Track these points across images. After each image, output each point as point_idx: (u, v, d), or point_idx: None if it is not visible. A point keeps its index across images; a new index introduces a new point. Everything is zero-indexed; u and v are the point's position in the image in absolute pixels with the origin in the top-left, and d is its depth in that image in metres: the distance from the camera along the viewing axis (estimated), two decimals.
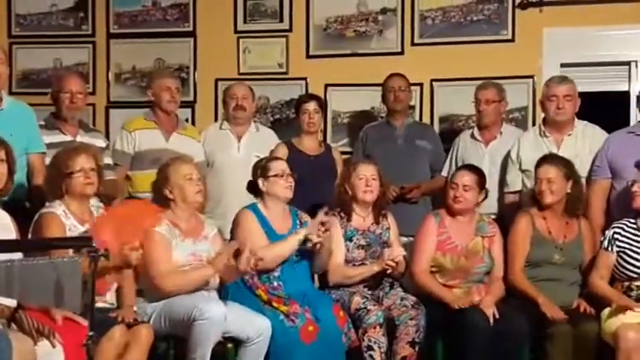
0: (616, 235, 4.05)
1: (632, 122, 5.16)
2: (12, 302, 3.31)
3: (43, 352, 3.01)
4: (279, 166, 4.26)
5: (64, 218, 3.70)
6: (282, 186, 4.21)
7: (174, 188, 4.03)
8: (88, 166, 3.77)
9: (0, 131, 3.83)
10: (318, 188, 4.60)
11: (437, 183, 4.94)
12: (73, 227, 3.71)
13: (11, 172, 3.59)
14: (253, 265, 3.88)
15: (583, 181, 4.39)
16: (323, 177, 4.78)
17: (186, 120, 5.49)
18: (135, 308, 3.82)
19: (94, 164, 3.81)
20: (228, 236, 4.34)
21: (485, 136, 4.94)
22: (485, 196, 4.38)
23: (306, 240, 4.13)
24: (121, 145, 4.85)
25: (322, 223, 4.11)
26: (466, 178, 4.31)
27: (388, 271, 4.22)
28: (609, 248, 4.05)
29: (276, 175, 4.22)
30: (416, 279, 4.28)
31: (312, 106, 5.01)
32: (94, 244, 3.03)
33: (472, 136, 5.00)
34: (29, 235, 3.68)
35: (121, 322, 3.60)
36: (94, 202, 4.33)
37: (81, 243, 3.15)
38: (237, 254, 3.90)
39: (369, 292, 4.27)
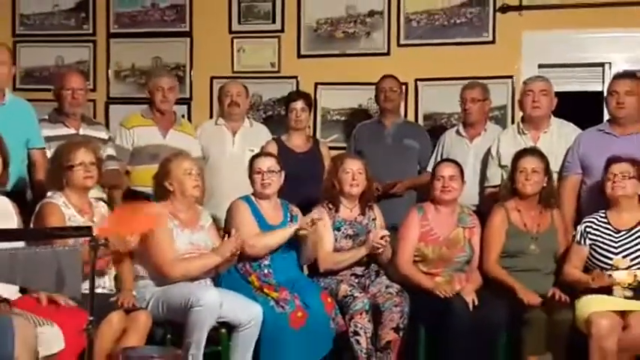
0: (588, 229, 4.06)
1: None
2: (15, 288, 3.33)
3: (44, 337, 3.01)
4: (257, 164, 4.28)
5: (64, 208, 3.70)
6: (258, 183, 4.24)
7: (174, 181, 4.05)
8: (88, 160, 3.77)
9: (6, 125, 3.87)
10: (306, 183, 4.60)
11: (424, 178, 4.92)
12: (73, 217, 3.71)
13: (5, 163, 3.58)
14: (239, 247, 3.98)
15: (555, 176, 4.42)
16: (311, 172, 4.79)
17: (183, 116, 5.48)
18: (134, 293, 3.83)
19: (93, 158, 3.81)
20: (222, 225, 4.35)
21: (470, 132, 4.95)
22: None
23: (295, 233, 4.17)
24: (120, 142, 4.84)
25: (312, 221, 4.13)
26: (450, 169, 4.33)
27: (380, 250, 4.22)
28: (582, 242, 4.06)
29: (256, 173, 4.26)
30: (400, 269, 4.28)
31: (299, 104, 4.99)
32: (94, 234, 3.05)
33: (457, 132, 5.00)
34: (31, 224, 3.68)
35: (120, 306, 3.61)
36: (96, 192, 4.36)
37: (81, 233, 3.14)
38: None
39: (356, 280, 4.27)
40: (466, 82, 5.06)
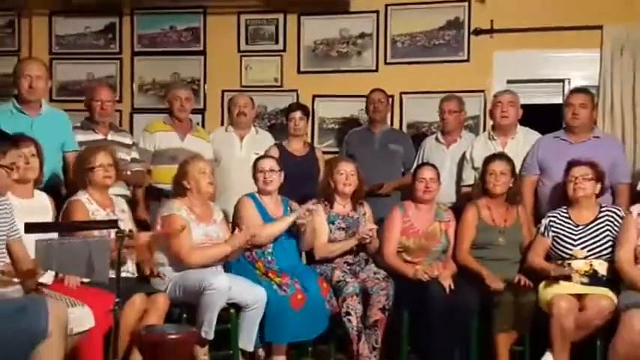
0: (551, 223, 4.07)
1: None
2: (51, 273, 3.35)
3: (76, 316, 3.02)
4: (260, 165, 4.30)
5: (88, 204, 3.72)
6: (260, 181, 4.26)
7: (191, 180, 4.06)
8: (107, 162, 3.79)
9: (39, 131, 3.88)
10: (303, 182, 4.61)
11: (407, 180, 4.91)
12: (96, 211, 3.73)
13: (41, 165, 3.60)
14: (249, 240, 4.01)
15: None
16: (308, 173, 4.81)
17: (197, 124, 5.48)
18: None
19: (111, 160, 3.83)
20: (231, 219, 4.36)
21: (448, 139, 4.95)
22: None
23: (294, 223, 4.18)
24: (144, 144, 4.83)
25: (308, 210, 4.16)
26: (430, 172, 4.35)
27: (367, 241, 4.24)
28: (545, 234, 4.07)
29: (259, 172, 4.28)
30: (385, 259, 4.30)
31: (297, 114, 5.00)
32: (120, 226, 3.08)
33: (437, 139, 5.00)
34: (59, 219, 3.68)
35: (149, 274, 3.68)
36: (121, 189, 4.38)
37: (110, 225, 3.17)
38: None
39: (348, 268, 4.28)
40: (444, 95, 5.06)
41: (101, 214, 3.72)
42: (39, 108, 4.17)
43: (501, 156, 4.34)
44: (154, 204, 4.60)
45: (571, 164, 4.06)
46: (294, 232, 4.26)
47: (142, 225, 4.35)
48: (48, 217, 3.53)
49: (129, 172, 4.45)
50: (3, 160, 2.95)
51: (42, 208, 3.56)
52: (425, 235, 4.28)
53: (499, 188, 4.23)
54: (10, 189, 3.13)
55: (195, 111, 5.36)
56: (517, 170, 4.39)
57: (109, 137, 4.53)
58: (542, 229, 4.10)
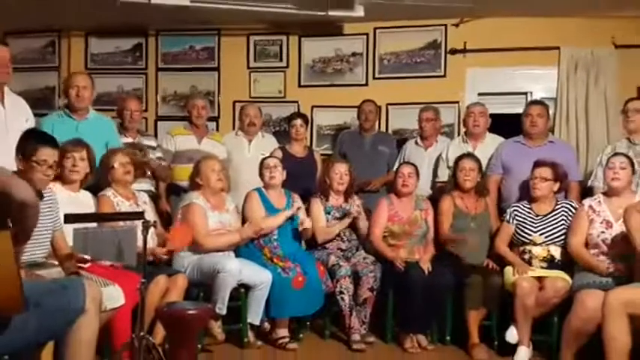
0: (515, 213, 4.05)
1: None
2: (87, 258, 3.32)
3: (107, 294, 2.99)
4: (265, 163, 4.30)
5: (113, 198, 3.71)
6: (266, 176, 4.25)
7: (202, 176, 4.06)
8: (125, 160, 3.79)
9: (84, 133, 3.87)
10: (303, 180, 4.59)
11: (391, 177, 4.91)
12: (120, 203, 3.72)
13: (91, 167, 3.58)
14: (257, 232, 4.03)
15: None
16: (307, 172, 4.77)
17: (212, 129, 5.46)
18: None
19: (129, 159, 3.82)
20: (241, 210, 4.32)
21: (426, 143, 4.93)
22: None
23: (293, 219, 4.20)
24: (166, 146, 4.79)
25: (299, 207, 4.21)
26: (409, 170, 4.34)
27: (356, 216, 4.28)
28: (510, 221, 4.05)
29: (265, 169, 4.27)
30: (372, 242, 4.29)
31: (298, 122, 4.97)
32: (146, 217, 3.05)
33: (416, 143, 4.99)
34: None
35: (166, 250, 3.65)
36: (146, 185, 4.35)
37: (137, 216, 3.14)
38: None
39: (341, 253, 4.26)
40: (423, 105, 5.05)
41: (125, 206, 3.71)
42: (86, 114, 4.14)
43: (470, 155, 4.34)
44: (175, 199, 4.59)
45: (536, 164, 4.05)
46: (296, 224, 4.23)
47: (164, 217, 4.36)
48: (89, 211, 3.52)
49: (160, 163, 4.53)
50: (35, 156, 2.90)
51: (85, 202, 3.57)
52: (408, 222, 4.27)
53: (469, 183, 4.23)
54: (47, 184, 3.07)
55: (210, 118, 5.36)
56: (484, 168, 4.39)
57: (137, 140, 4.50)
58: (507, 217, 4.08)
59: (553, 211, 3.99)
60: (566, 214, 3.95)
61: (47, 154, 2.92)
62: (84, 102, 4.10)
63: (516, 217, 4.03)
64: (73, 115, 4.10)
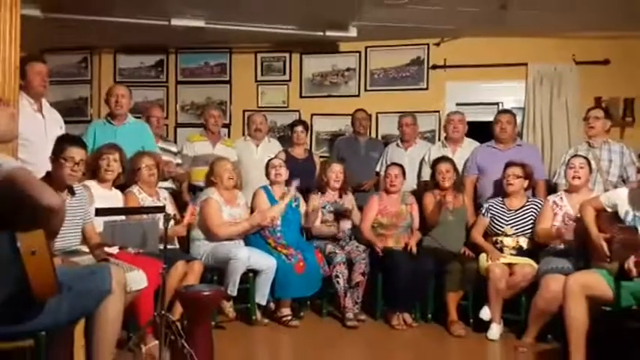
0: (490, 207, 4.06)
1: None
2: (115, 247, 3.33)
3: (132, 277, 3.00)
4: (271, 163, 4.31)
5: (138, 194, 3.72)
6: (272, 174, 4.25)
7: (216, 176, 4.07)
8: (150, 163, 3.79)
9: (121, 138, 3.90)
10: (303, 179, 4.49)
11: (380, 178, 4.90)
12: (144, 199, 3.73)
13: (123, 168, 3.59)
14: (263, 220, 4.02)
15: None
16: (307, 172, 4.74)
17: (224, 135, 5.46)
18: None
19: (154, 162, 3.83)
20: (250, 204, 4.32)
21: (405, 145, 4.91)
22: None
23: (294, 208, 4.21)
24: (186, 151, 4.80)
25: (284, 194, 4.18)
26: (396, 171, 4.34)
27: (348, 211, 4.28)
28: (485, 215, 4.06)
29: (271, 168, 4.28)
30: (363, 232, 4.29)
31: (299, 128, 4.97)
32: (167, 210, 3.06)
33: (397, 145, 4.98)
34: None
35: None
36: (169, 184, 4.36)
37: (159, 210, 3.16)
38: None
39: (337, 243, 4.27)
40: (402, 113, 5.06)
41: (148, 202, 3.72)
42: (124, 120, 4.16)
43: (445, 158, 4.35)
44: (192, 197, 4.58)
45: (507, 165, 4.06)
46: (297, 217, 4.25)
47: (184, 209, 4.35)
48: (119, 205, 3.53)
49: (179, 170, 4.55)
50: (63, 154, 2.90)
51: (116, 199, 3.58)
52: (395, 215, 4.28)
53: (447, 182, 4.24)
54: (76, 180, 3.07)
55: (223, 125, 5.34)
56: (460, 169, 4.39)
57: (160, 144, 4.49)
58: (483, 211, 4.09)
59: (524, 206, 4.00)
60: (534, 210, 3.96)
61: (74, 152, 2.91)
62: (122, 109, 4.12)
63: (491, 211, 4.03)
64: (113, 121, 4.12)
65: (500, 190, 4.12)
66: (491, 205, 4.05)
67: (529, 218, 3.93)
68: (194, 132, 5.13)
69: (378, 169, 4.95)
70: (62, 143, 2.94)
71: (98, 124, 4.21)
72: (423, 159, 4.77)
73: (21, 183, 1.84)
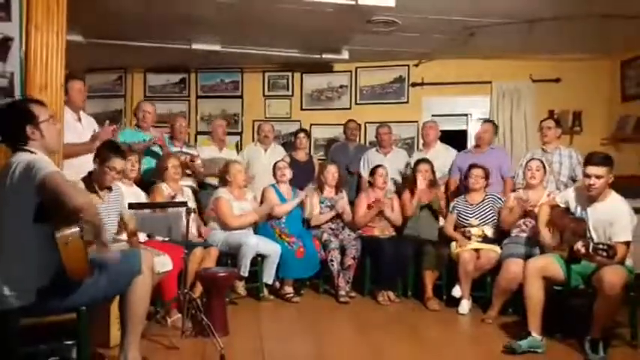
0: (456, 205, 4.03)
1: (469, 145, 5.24)
2: (144, 235, 3.31)
3: (159, 261, 2.99)
4: (277, 165, 4.29)
5: (165, 189, 3.69)
6: (278, 174, 4.24)
7: (231, 175, 4.04)
8: (176, 163, 3.78)
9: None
10: (304, 179, 4.56)
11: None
12: (170, 193, 3.69)
13: (138, 169, 3.60)
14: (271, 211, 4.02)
15: (438, 174, 4.39)
16: (307, 173, 4.75)
17: (236, 143, 5.45)
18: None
19: (178, 162, 3.81)
20: (259, 200, 4.29)
21: (384, 151, 4.82)
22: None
23: (301, 204, 4.19)
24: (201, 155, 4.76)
25: (306, 196, 4.20)
26: (382, 172, 4.31)
27: (340, 211, 4.23)
28: (452, 212, 4.04)
29: (278, 169, 4.26)
30: (355, 222, 4.26)
31: (301, 135, 4.95)
32: (188, 205, 3.04)
33: (376, 150, 4.89)
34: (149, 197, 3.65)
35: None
36: (191, 182, 4.31)
37: (182, 205, 3.14)
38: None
39: (332, 232, 4.24)
40: (391, 125, 5.00)
41: (175, 196, 3.69)
42: (148, 129, 4.21)
43: (425, 160, 4.32)
44: (202, 192, 4.42)
45: (471, 166, 4.06)
46: (300, 211, 4.23)
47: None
48: (140, 199, 3.50)
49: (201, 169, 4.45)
50: (107, 163, 2.89)
51: (138, 193, 3.55)
52: (381, 207, 4.21)
53: (423, 184, 4.20)
54: (113, 182, 3.05)
55: (235, 133, 5.35)
56: (434, 168, 4.32)
57: (183, 149, 4.44)
58: (450, 208, 4.08)
59: (483, 200, 3.98)
60: (492, 202, 3.96)
61: (116, 163, 2.90)
62: (147, 122, 4.21)
63: (457, 208, 4.02)
64: (140, 130, 4.19)
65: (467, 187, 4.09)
66: (457, 203, 4.04)
67: (489, 210, 3.93)
68: (203, 138, 5.11)
69: (360, 170, 4.88)
70: (108, 152, 2.90)
71: (129, 130, 4.23)
72: (408, 163, 4.74)
73: (55, 186, 1.87)
